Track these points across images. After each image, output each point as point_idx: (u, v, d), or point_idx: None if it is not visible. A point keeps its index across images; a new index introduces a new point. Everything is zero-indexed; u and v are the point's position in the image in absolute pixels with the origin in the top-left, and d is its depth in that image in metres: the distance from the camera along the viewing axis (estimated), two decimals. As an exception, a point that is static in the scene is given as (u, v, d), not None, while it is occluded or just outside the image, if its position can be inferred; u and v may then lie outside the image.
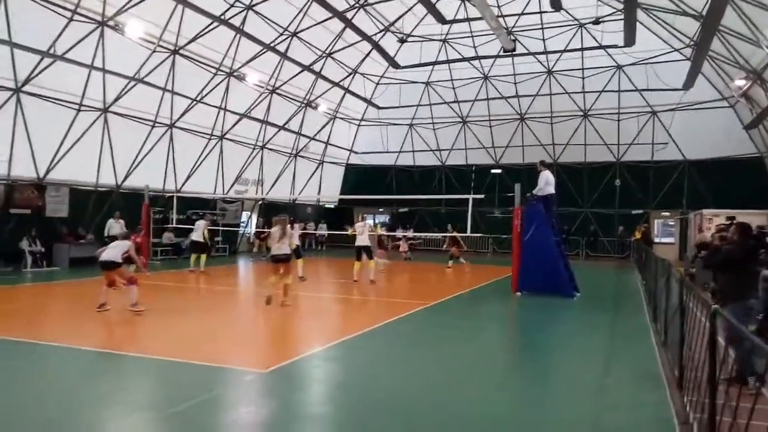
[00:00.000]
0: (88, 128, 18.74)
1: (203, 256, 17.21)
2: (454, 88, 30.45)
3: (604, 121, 28.84)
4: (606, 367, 7.31)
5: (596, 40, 25.24)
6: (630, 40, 21.63)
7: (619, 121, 28.61)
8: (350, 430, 4.90)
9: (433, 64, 27.78)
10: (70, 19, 16.52)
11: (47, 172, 18.11)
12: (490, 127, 30.91)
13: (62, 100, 17.77)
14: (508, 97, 29.80)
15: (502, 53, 24.81)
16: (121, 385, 6.11)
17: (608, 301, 13.78)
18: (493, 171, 30.57)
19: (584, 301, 13.11)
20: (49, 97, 17.32)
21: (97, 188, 20.01)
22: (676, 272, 7.23)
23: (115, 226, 18.62)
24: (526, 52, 26.16)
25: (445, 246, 20.32)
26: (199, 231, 17.26)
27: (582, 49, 25.84)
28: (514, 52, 24.31)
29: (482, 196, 16.92)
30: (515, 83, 29.40)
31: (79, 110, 18.30)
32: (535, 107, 29.73)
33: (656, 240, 27.60)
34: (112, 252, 10.01)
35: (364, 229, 15.49)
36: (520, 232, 14.12)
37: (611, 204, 28.75)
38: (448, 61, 27.78)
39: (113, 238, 18.60)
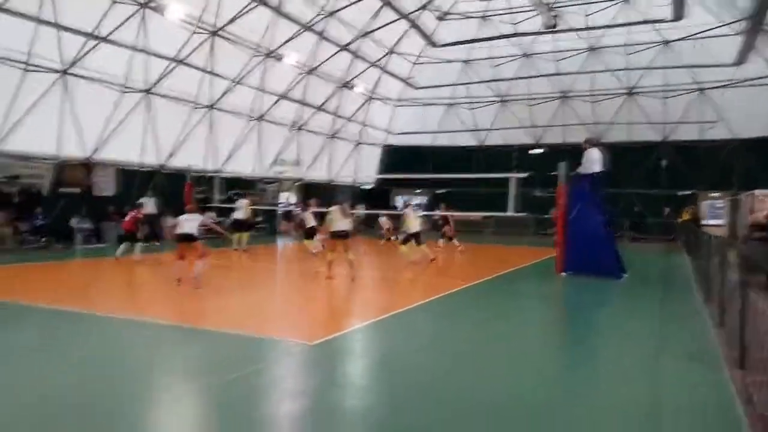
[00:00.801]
0: (132, 109, 19.12)
1: (245, 235, 17.39)
2: (493, 67, 29.84)
3: (650, 99, 27.88)
4: (658, 348, 7.08)
5: (642, 15, 24.28)
6: (678, 14, 20.74)
7: (665, 99, 27.60)
8: (391, 402, 4.86)
9: (472, 42, 27.17)
10: (114, 1, 16.77)
11: (94, 152, 18.59)
12: (531, 106, 30.25)
13: (107, 82, 18.14)
14: (549, 75, 29.05)
15: (543, 30, 24.11)
16: (178, 353, 6.34)
17: (657, 283, 13.40)
18: (532, 151, 29.98)
19: (632, 283, 12.75)
20: (94, 79, 17.70)
21: (142, 168, 20.46)
22: (733, 251, 6.93)
23: (149, 203, 19.27)
24: (568, 28, 25.36)
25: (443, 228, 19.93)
26: (242, 210, 17.47)
27: (627, 24, 24.87)
28: (555, 29, 23.59)
29: (525, 174, 16.49)
30: (556, 61, 28.61)
31: (123, 92, 18.66)
32: (577, 85, 28.94)
33: (704, 222, 26.68)
34: (190, 225, 10.27)
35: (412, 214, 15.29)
36: (565, 212, 13.80)
37: (656, 185, 27.88)
38: (487, 39, 27.12)
39: (149, 216, 19.27)
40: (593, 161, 13.76)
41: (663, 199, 27.78)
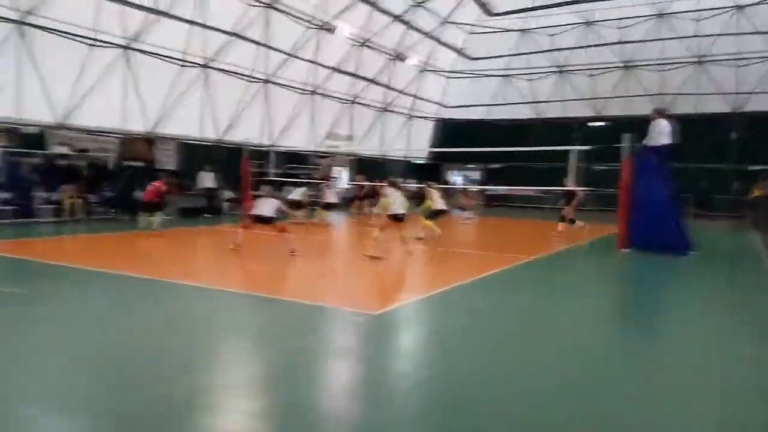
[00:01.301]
0: (190, 84, 19.50)
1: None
2: (551, 36, 28.77)
3: (721, 67, 26.28)
4: (734, 327, 6.73)
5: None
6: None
7: (738, 67, 25.94)
8: (455, 371, 4.81)
9: (531, 9, 26.25)
10: (174, -24, 17.03)
11: (156, 126, 19.13)
12: (592, 76, 29.09)
13: (167, 56, 18.53)
14: (612, 44, 27.78)
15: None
16: (251, 319, 6.57)
17: (726, 260, 12.77)
18: (592, 124, 28.93)
19: (700, 260, 12.18)
20: (155, 53, 18.10)
21: (201, 142, 20.93)
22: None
23: (206, 177, 19.81)
24: (635, -8, 24.14)
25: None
26: (298, 194, 17.96)
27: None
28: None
29: (588, 147, 15.88)
30: (620, 28, 27.29)
31: (182, 65, 19.04)
32: (642, 54, 27.57)
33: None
34: (267, 208, 10.93)
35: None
36: (629, 186, 13.26)
37: (724, 159, 26.42)
38: (546, 6, 26.15)
39: (208, 189, 19.82)
40: (661, 132, 13.10)
41: (732, 174, 26.34)
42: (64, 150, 16.90)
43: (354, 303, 7.34)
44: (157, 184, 13.72)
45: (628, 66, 28.18)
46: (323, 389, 4.48)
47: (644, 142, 13.28)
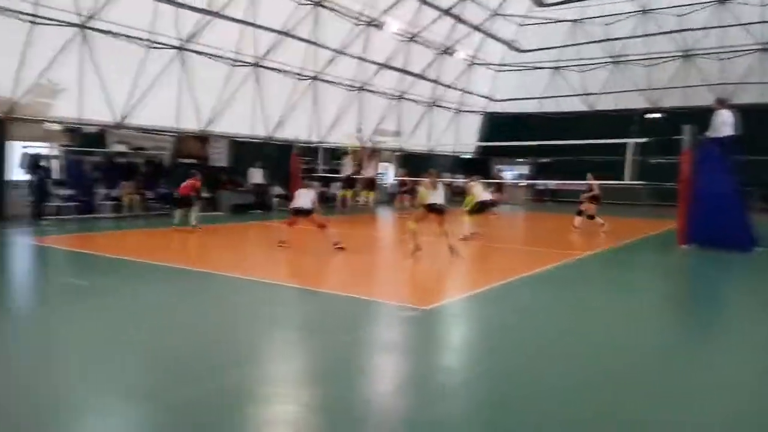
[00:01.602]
0: (241, 83, 19.90)
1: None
2: (606, 26, 27.86)
3: (789, 54, 24.82)
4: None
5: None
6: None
7: (809, 53, 24.47)
8: (505, 368, 4.69)
9: (584, -1, 25.53)
10: (225, -23, 17.39)
11: (209, 124, 19.62)
12: (648, 66, 28.01)
13: (219, 56, 18.96)
14: (671, 32, 26.65)
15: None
16: (304, 312, 6.67)
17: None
18: (649, 115, 27.87)
19: (766, 257, 11.55)
20: (208, 54, 18.55)
21: (252, 139, 21.34)
22: None
23: (256, 174, 20.23)
24: (695, -22, 23.08)
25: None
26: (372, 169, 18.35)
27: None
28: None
29: (644, 140, 15.23)
30: (679, 16, 26.14)
31: (233, 65, 19.44)
32: (702, 42, 26.33)
33: None
34: (304, 200, 10.93)
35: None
36: (689, 179, 12.69)
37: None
38: (600, -5, 25.37)
39: (257, 185, 20.20)
40: (725, 123, 12.48)
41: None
42: (122, 148, 17.57)
43: (403, 297, 7.34)
44: (191, 180, 13.79)
45: (687, 55, 26.99)
46: (373, 383, 4.46)
47: (706, 133, 12.68)
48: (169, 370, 4.49)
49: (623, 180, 15.12)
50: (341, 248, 10.58)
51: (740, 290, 8.96)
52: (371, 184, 18.39)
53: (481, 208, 13.59)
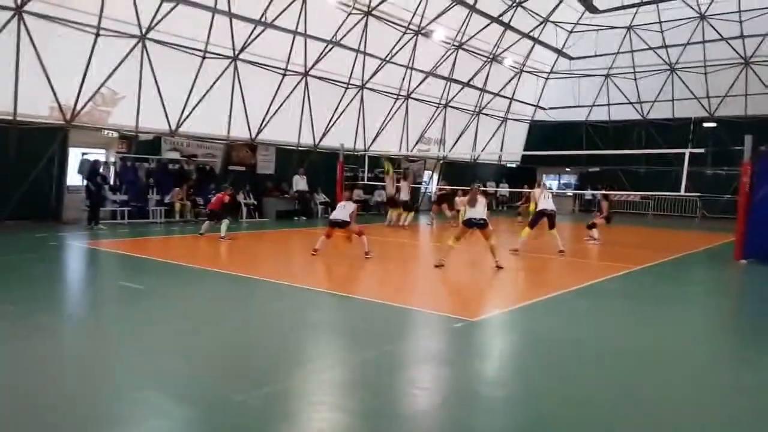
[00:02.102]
0: (291, 91, 20.26)
1: (405, 213, 18.11)
2: (662, 31, 27.06)
3: None
4: None
5: None
6: None
7: None
8: (550, 385, 4.57)
9: (639, 5, 24.85)
10: (277, -12, 17.75)
11: (258, 132, 20.04)
12: (705, 74, 27.03)
13: (270, 66, 19.37)
14: (730, 39, 25.66)
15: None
16: (348, 321, 6.68)
17: None
18: (705, 125, 26.87)
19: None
20: (259, 63, 18.98)
21: (298, 147, 21.67)
22: None
23: (300, 181, 20.50)
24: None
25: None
26: (405, 190, 18.21)
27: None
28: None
29: (701, 150, 14.64)
30: (740, 21, 25.16)
31: (284, 74, 19.82)
32: (763, 49, 25.22)
33: None
34: (342, 212, 11.20)
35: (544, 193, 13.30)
36: (749, 191, 12.16)
37: None
38: (655, 1, 24.64)
39: (300, 192, 20.46)
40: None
41: None
42: (175, 155, 18.13)
43: (450, 308, 7.28)
44: (220, 195, 13.98)
45: (747, 62, 25.91)
46: (420, 394, 4.41)
47: (769, 144, 12.16)
48: (217, 375, 4.58)
49: (678, 191, 14.63)
50: (370, 257, 10.77)
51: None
52: (407, 204, 18.40)
53: (539, 217, 12.82)
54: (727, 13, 25.20)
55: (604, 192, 16.38)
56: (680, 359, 5.46)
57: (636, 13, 26.91)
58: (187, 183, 17.77)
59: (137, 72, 16.33)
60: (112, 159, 16.79)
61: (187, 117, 17.86)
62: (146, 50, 16.29)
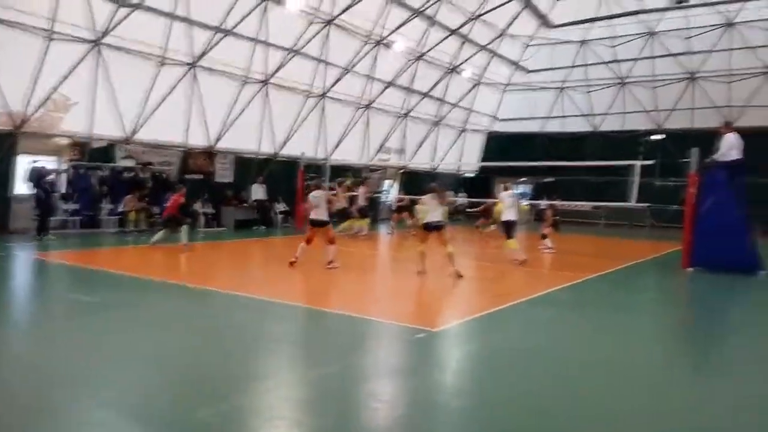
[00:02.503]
0: (251, 99, 20.07)
1: (361, 220, 18.05)
2: (614, 46, 28.08)
3: (798, 78, 24.92)
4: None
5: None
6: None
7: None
8: (515, 394, 4.68)
9: (592, 20, 25.71)
10: (238, -5, 17.59)
11: (217, 140, 19.75)
12: (654, 88, 28.16)
13: (229, 73, 19.14)
14: (678, 54, 26.83)
15: (672, 5, 22.27)
16: (310, 333, 6.67)
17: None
18: (653, 137, 27.94)
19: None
20: (218, 71, 18.74)
21: (258, 156, 21.46)
22: None
23: (259, 190, 20.32)
24: (703, 2, 23.25)
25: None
26: (362, 197, 18.21)
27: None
28: (686, 3, 21.72)
29: (651, 162, 15.26)
30: (686, 38, 26.34)
31: (244, 82, 19.63)
32: (709, 64, 26.47)
33: None
34: (320, 211, 10.82)
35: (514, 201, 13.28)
36: (695, 202, 12.72)
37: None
38: (608, 17, 25.54)
39: (259, 201, 20.25)
40: (732, 147, 12.53)
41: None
42: (129, 163, 17.67)
43: (411, 319, 7.32)
44: (175, 197, 13.49)
45: (693, 77, 27.14)
46: (380, 408, 4.41)
47: (713, 156, 12.73)
48: (175, 392, 4.49)
49: (628, 201, 15.17)
50: (334, 268, 10.54)
51: (752, 312, 8.90)
52: (363, 210, 18.42)
53: (506, 225, 12.75)
54: (675, 30, 26.32)
55: (547, 202, 16.84)
56: (636, 368, 5.63)
57: (590, 28, 27.82)
58: (141, 191, 17.33)
59: (92, 77, 15.88)
60: (63, 166, 16.22)
61: (143, 124, 17.45)
62: (101, 55, 15.86)
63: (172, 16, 16.19)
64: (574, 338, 6.79)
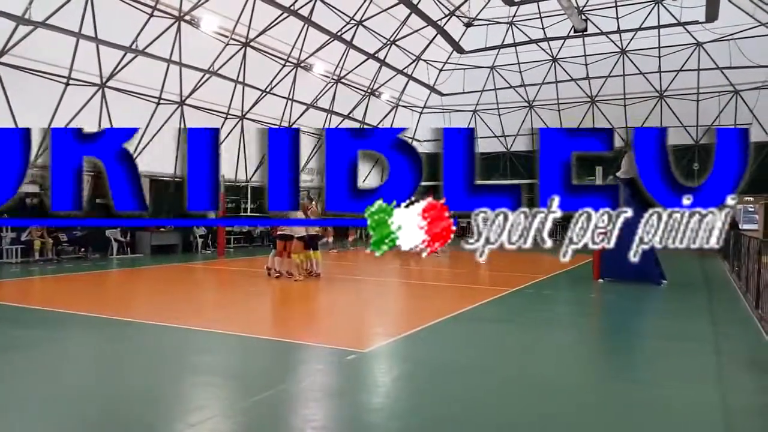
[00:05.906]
0: (166, 121, 19.46)
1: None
2: (520, 72, 29.73)
3: (682, 101, 27.49)
4: (715, 352, 6.90)
5: (674, 17, 23.99)
6: (712, 15, 20.45)
7: (698, 101, 27.15)
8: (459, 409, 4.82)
9: (500, 47, 27.17)
10: (150, 15, 17.13)
11: (130, 163, 18.92)
12: (559, 110, 30.03)
13: (143, 94, 18.50)
14: (578, 80, 28.82)
15: (572, 34, 23.96)
16: (236, 360, 6.44)
17: (699, 288, 13.11)
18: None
19: (674, 289, 12.49)
20: (131, 92, 18.06)
21: (175, 179, 20.75)
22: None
23: None
24: (599, 31, 25.17)
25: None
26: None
27: (659, 27, 24.61)
28: (585, 32, 23.44)
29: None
30: (586, 65, 28.39)
31: (158, 103, 19.01)
32: (607, 89, 28.67)
33: (741, 226, 26.03)
34: (287, 227, 11.47)
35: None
36: (602, 218, 13.59)
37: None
38: (515, 44, 27.11)
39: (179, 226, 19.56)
40: (634, 165, 13.51)
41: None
42: (33, 188, 16.53)
43: (340, 341, 7.26)
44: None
45: (593, 100, 29.20)
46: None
47: (617, 174, 13.68)
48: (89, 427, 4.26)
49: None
50: (297, 279, 11.41)
51: (658, 318, 9.61)
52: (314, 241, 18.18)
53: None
54: (575, 57, 28.30)
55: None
56: (564, 380, 5.83)
57: (498, 54, 29.31)
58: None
59: (-10, 99, 14.85)
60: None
61: (48, 147, 16.43)
62: (-1, 76, 14.89)
63: (78, 34, 15.46)
64: (501, 355, 6.96)
